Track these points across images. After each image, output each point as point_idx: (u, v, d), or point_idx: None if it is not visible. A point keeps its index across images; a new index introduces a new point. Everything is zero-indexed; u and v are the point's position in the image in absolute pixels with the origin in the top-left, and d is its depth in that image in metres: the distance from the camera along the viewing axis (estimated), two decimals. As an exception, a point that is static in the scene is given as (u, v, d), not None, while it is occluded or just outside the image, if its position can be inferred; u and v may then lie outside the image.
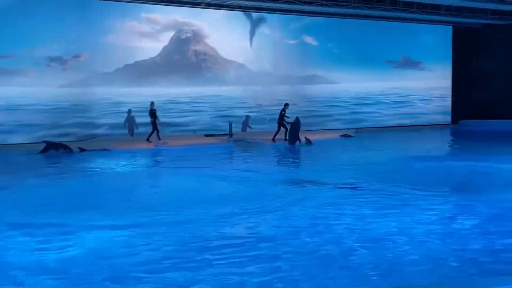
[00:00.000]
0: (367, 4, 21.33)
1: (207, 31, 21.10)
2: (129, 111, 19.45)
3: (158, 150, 16.74)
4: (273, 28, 22.18)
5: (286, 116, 18.52)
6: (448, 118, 26.77)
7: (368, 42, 24.06)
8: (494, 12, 23.39)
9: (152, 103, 17.69)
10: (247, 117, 21.73)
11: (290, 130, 18.21)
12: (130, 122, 19.56)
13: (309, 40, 23.14)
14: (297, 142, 17.92)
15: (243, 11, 21.18)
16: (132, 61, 19.65)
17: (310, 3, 20.47)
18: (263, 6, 20.57)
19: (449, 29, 26.15)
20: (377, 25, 24.02)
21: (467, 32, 26.23)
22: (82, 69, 18.58)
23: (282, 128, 18.61)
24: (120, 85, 19.24)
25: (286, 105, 18.69)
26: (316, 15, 22.21)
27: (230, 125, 19.49)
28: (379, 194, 9.29)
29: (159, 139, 17.64)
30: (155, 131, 17.67)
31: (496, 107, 25.50)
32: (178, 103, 20.44)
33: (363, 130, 23.03)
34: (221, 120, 20.90)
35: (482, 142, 19.40)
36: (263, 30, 22.02)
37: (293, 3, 20.26)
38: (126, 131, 19.53)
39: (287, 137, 18.26)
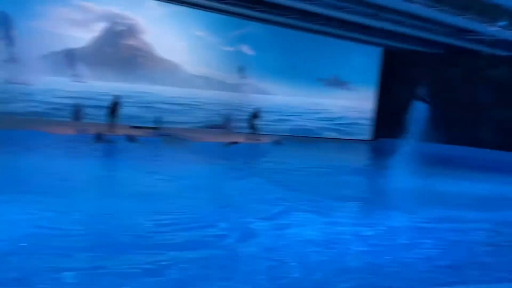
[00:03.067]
0: (305, 17, 21.81)
1: (143, 26, 20.68)
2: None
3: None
4: (210, 31, 22.20)
5: None
6: (368, 135, 28.05)
7: (302, 58, 24.94)
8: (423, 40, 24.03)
9: None
10: None
11: None
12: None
13: (245, 49, 23.53)
14: None
15: (187, 7, 20.87)
16: (59, 49, 18.85)
17: (253, 9, 20.53)
18: (206, 5, 20.39)
19: (379, 51, 27.32)
20: (312, 42, 24.78)
21: (395, 54, 27.30)
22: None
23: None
24: (44, 72, 18.48)
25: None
26: (257, 20, 22.37)
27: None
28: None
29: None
30: None
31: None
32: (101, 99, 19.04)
33: (286, 138, 22.95)
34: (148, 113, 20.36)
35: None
36: (198, 32, 21.95)
37: (236, 5, 20.25)
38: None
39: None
